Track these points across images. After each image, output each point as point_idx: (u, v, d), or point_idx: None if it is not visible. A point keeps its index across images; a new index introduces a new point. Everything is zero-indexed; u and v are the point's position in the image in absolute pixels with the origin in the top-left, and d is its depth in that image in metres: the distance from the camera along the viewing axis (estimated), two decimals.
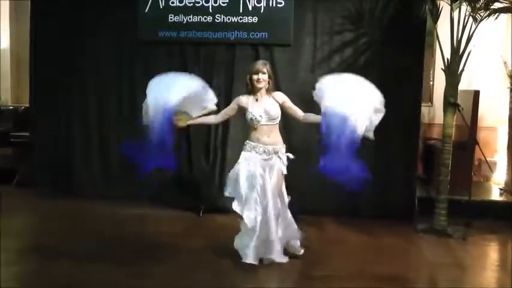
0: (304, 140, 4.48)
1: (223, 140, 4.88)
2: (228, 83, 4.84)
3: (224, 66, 4.89)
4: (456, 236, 4.17)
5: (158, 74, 4.82)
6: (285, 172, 3.31)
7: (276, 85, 4.61)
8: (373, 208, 4.74)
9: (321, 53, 4.81)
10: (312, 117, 3.27)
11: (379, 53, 4.72)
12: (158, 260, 3.42)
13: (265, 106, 3.26)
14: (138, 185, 4.95)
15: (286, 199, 3.44)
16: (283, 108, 3.36)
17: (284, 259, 3.33)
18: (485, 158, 4.69)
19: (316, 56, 4.81)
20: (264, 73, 3.26)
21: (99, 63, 5.15)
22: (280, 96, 3.35)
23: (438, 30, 4.43)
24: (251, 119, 3.26)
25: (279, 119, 3.32)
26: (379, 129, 4.46)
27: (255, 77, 3.26)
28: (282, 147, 3.32)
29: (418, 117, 4.79)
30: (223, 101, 4.26)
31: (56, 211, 4.64)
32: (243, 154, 3.30)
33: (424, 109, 5.26)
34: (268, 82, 3.30)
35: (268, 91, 3.32)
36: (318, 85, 3.20)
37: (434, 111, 5.66)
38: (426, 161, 5.50)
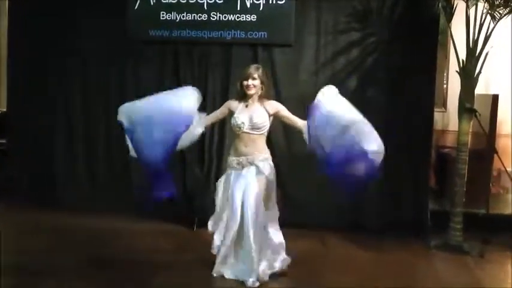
0: (304, 147, 4.49)
1: (219, 148, 4.87)
2: (224, 85, 4.83)
3: (220, 68, 4.88)
4: (473, 253, 4.14)
5: (148, 76, 4.97)
6: (265, 177, 3.26)
7: (275, 89, 4.73)
8: (381, 221, 4.72)
9: (324, 54, 4.79)
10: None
11: (388, 54, 4.70)
12: (143, 281, 3.38)
13: (252, 113, 3.27)
14: (125, 197, 5.00)
15: (274, 208, 3.40)
16: (278, 118, 3.36)
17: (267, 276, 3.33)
18: (504, 168, 4.60)
19: (320, 57, 4.80)
20: (254, 79, 3.26)
21: (85, 65, 5.12)
22: (273, 106, 3.33)
23: (452, 29, 4.39)
24: (233, 124, 3.28)
25: (265, 129, 3.31)
26: (388, 136, 4.50)
27: (245, 82, 3.27)
28: (260, 156, 3.28)
29: (430, 124, 4.78)
30: (219, 106, 4.23)
31: (35, 225, 4.58)
32: (223, 176, 3.39)
33: (438, 115, 5.22)
34: (261, 88, 3.30)
35: (261, 98, 3.32)
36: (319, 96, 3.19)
37: (448, 117, 5.61)
38: (439, 171, 5.44)
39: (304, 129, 3.17)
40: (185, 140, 3.23)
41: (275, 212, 3.44)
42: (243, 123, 3.25)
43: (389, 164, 4.57)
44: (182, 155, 4.88)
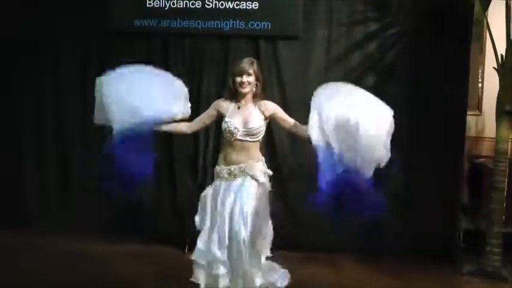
0: (311, 156, 4.49)
1: (215, 156, 4.80)
2: (221, 84, 4.79)
3: (216, 64, 4.87)
4: None
5: None
6: (262, 186, 3.24)
7: (280, 89, 4.82)
8: (404, 243, 4.70)
9: (337, 48, 4.80)
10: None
11: (412, 48, 4.69)
12: None
13: (246, 117, 3.24)
14: (105, 215, 5.02)
15: (267, 227, 3.32)
16: (274, 120, 3.33)
17: None
18: None
19: (331, 52, 4.80)
20: (249, 75, 3.22)
21: (58, 62, 5.11)
22: (269, 107, 3.29)
23: (489, 19, 4.40)
24: (225, 129, 3.24)
25: (260, 135, 3.28)
26: (412, 144, 4.50)
27: (238, 79, 3.22)
28: (254, 164, 3.26)
29: (462, 130, 4.75)
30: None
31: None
32: (210, 186, 3.35)
33: (471, 119, 5.18)
34: (256, 86, 3.26)
35: (256, 98, 3.29)
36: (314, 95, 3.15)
37: (484, 122, 5.54)
38: (473, 185, 5.39)
39: (308, 133, 3.08)
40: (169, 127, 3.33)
41: (269, 232, 3.35)
42: (236, 129, 3.22)
43: (414, 176, 4.71)
44: (171, 164, 4.96)
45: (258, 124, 3.23)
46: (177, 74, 4.70)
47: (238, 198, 3.16)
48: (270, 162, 4.45)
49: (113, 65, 4.92)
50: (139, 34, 4.94)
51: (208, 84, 4.89)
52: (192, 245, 4.29)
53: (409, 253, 4.61)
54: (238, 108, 3.27)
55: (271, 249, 3.34)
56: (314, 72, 4.80)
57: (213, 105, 3.39)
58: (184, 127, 3.39)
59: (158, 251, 4.68)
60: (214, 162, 4.62)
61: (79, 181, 5.14)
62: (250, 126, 3.21)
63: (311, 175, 4.50)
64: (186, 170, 4.96)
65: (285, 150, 4.81)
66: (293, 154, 4.80)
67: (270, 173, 3.32)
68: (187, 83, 4.65)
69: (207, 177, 4.86)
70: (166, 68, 4.84)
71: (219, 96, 4.57)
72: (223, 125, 3.26)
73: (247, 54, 4.50)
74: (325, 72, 4.78)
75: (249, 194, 3.17)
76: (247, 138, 3.23)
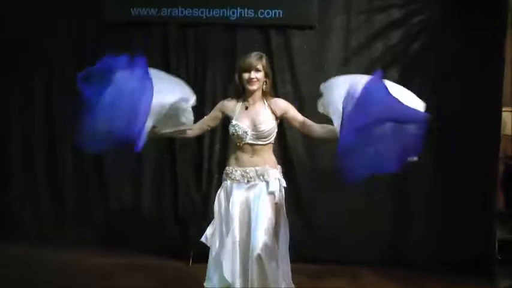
0: (330, 160, 4.47)
1: (222, 160, 4.82)
2: (227, 79, 4.79)
3: (222, 57, 4.86)
4: None
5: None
6: (276, 200, 3.21)
7: (293, 84, 4.83)
8: (432, 256, 4.68)
9: (356, 39, 4.78)
10: (331, 132, 3.08)
11: (439, 38, 4.66)
12: None
13: (254, 118, 3.21)
14: (102, 225, 5.06)
15: (285, 239, 3.31)
16: (286, 120, 3.30)
17: None
18: None
19: (351, 43, 4.78)
20: (258, 70, 3.18)
21: (50, 55, 5.11)
22: (280, 105, 3.26)
23: None
24: (233, 133, 3.22)
25: (272, 138, 3.25)
26: (441, 144, 4.46)
27: (245, 75, 3.19)
28: (271, 169, 3.25)
29: (497, 128, 4.65)
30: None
31: None
32: (220, 188, 3.30)
33: (506, 115, 5.11)
34: (265, 82, 3.23)
35: (265, 96, 3.26)
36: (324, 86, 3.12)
37: None
38: (510, 189, 5.37)
39: (328, 133, 3.08)
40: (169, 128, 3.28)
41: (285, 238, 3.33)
42: (245, 132, 3.20)
43: (443, 180, 4.65)
44: (173, 169, 4.96)
45: (269, 126, 3.20)
46: (178, 67, 4.89)
47: (254, 221, 3.10)
48: (285, 169, 4.51)
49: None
50: (136, 24, 4.92)
51: (213, 80, 4.88)
52: (197, 257, 4.52)
53: (437, 265, 4.58)
54: (246, 108, 3.24)
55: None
56: (331, 65, 4.77)
57: (217, 106, 3.36)
58: (188, 131, 3.36)
59: (159, 264, 4.68)
60: (221, 166, 4.77)
61: (72, 190, 5.16)
62: (260, 129, 3.18)
63: (329, 181, 4.47)
64: (189, 174, 4.94)
65: (299, 154, 4.80)
66: (308, 156, 4.80)
67: (284, 184, 3.29)
68: (189, 78, 4.75)
69: (212, 182, 4.88)
70: (167, 61, 4.93)
71: (224, 93, 4.71)
72: (231, 129, 3.23)
73: (255, 46, 4.57)
74: (344, 65, 4.75)
75: (269, 217, 3.11)
76: (258, 142, 3.21)
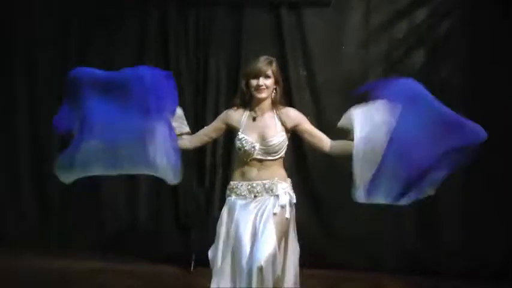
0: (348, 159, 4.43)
1: (226, 154, 4.84)
2: (233, 68, 4.80)
3: (227, 41, 4.86)
4: None
5: (122, 56, 4.92)
6: (286, 216, 3.16)
7: (307, 69, 4.77)
8: (458, 263, 4.65)
9: (377, 18, 4.76)
10: (347, 146, 3.07)
11: (470, 17, 4.62)
12: None
13: (263, 131, 3.15)
14: (94, 227, 5.07)
15: (295, 256, 3.27)
16: (297, 133, 3.22)
17: None
18: None
19: (371, 23, 4.76)
20: (267, 76, 3.12)
21: (32, 46, 5.15)
22: (292, 116, 3.19)
23: None
24: (239, 148, 3.15)
25: (282, 152, 3.18)
26: None
27: (253, 82, 3.12)
28: (280, 182, 3.19)
29: None
30: (225, 101, 4.20)
31: None
32: (224, 206, 3.23)
33: None
34: (275, 90, 3.17)
35: (274, 105, 3.20)
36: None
37: None
38: None
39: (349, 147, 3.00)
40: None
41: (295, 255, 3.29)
42: (253, 147, 3.13)
43: (473, 181, 4.58)
44: None
45: (279, 139, 3.13)
46: (177, 54, 4.91)
47: (258, 247, 3.01)
48: (298, 173, 4.60)
49: (98, 47, 5.01)
50: (130, 6, 4.93)
51: (216, 67, 4.87)
52: (198, 262, 4.55)
53: (462, 275, 4.57)
54: (254, 120, 3.18)
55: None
56: (349, 47, 4.76)
57: (221, 116, 3.28)
58: (187, 142, 3.27)
59: (159, 270, 4.69)
60: (226, 162, 4.65)
61: (59, 192, 5.16)
62: (269, 144, 3.12)
63: (347, 182, 4.47)
64: (191, 172, 4.90)
65: (314, 153, 4.64)
66: (324, 157, 4.63)
67: (294, 200, 3.21)
68: (189, 67, 4.73)
69: (216, 180, 4.88)
70: (165, 46, 4.93)
71: (230, 83, 4.57)
72: (237, 143, 3.15)
73: (265, 28, 4.72)
74: (364, 47, 4.72)
75: (271, 243, 3.01)
76: (268, 157, 3.15)
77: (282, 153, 3.19)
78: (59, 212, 5.21)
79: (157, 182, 4.80)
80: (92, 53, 5.07)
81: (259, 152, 3.13)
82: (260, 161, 3.15)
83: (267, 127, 3.15)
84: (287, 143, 3.19)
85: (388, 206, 4.47)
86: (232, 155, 4.74)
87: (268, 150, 3.13)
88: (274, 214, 3.08)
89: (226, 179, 4.60)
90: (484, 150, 4.30)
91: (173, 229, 4.97)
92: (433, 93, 2.99)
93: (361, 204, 4.59)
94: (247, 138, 3.12)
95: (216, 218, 3.50)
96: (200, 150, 4.82)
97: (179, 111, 3.17)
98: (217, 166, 4.86)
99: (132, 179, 5.00)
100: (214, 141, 4.78)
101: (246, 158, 3.15)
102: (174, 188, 4.91)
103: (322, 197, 4.77)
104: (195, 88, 4.79)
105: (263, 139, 3.12)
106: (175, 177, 3.09)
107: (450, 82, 4.56)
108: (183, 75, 4.81)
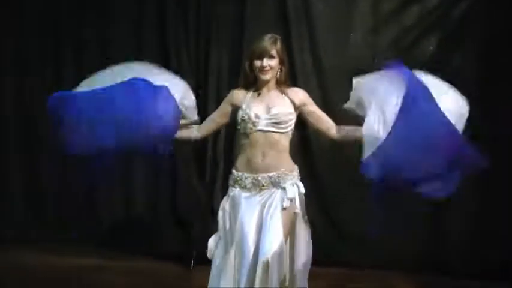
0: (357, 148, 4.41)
1: (229, 147, 4.86)
2: (236, 53, 4.78)
3: (229, 26, 4.86)
4: None
5: (118, 44, 4.96)
6: (295, 210, 3.16)
7: (313, 56, 4.78)
8: (473, 263, 4.66)
9: (387, 3, 4.74)
10: (357, 132, 3.04)
11: (486, 4, 4.58)
12: None
13: (269, 102, 3.13)
14: (89, 224, 5.13)
15: (304, 257, 3.25)
16: (302, 115, 3.22)
17: None
18: None
19: (381, 7, 4.75)
20: (272, 57, 3.11)
21: (19, 18, 5.16)
22: (299, 94, 3.20)
23: None
24: (242, 118, 3.12)
25: (289, 127, 3.14)
26: (485, 132, 4.36)
27: (257, 63, 3.11)
28: (288, 173, 3.19)
29: None
30: (225, 89, 4.25)
31: None
32: (226, 196, 3.23)
33: None
34: (280, 70, 3.16)
35: (280, 85, 3.18)
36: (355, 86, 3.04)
37: None
38: None
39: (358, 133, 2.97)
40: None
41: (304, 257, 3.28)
42: (257, 116, 3.10)
43: (487, 176, 4.44)
44: (171, 158, 4.83)
45: (286, 109, 3.12)
46: (176, 43, 4.90)
47: (266, 227, 3.04)
48: (305, 167, 4.44)
49: (89, 35, 5.01)
50: None
51: (218, 54, 4.86)
52: (199, 260, 4.46)
53: (474, 275, 4.54)
54: (259, 95, 3.17)
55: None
56: (358, 34, 4.74)
57: (226, 99, 3.28)
58: (193, 132, 3.28)
59: (158, 267, 4.71)
60: (228, 155, 4.66)
61: (51, 185, 5.23)
62: (277, 113, 3.09)
63: (355, 173, 4.47)
64: (191, 165, 4.94)
65: (321, 143, 4.74)
66: (332, 147, 4.69)
67: (303, 190, 3.20)
68: (189, 56, 4.75)
69: (217, 175, 4.88)
70: (162, 34, 4.95)
71: (233, 75, 4.58)
72: (240, 114, 3.13)
73: (269, 13, 4.69)
74: (373, 33, 4.71)
75: (278, 241, 3.02)
76: (273, 129, 3.11)
77: (289, 130, 3.15)
78: (53, 208, 5.25)
79: (155, 176, 4.98)
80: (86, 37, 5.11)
81: (265, 123, 3.09)
82: (265, 133, 3.10)
83: (273, 99, 3.14)
84: (294, 120, 3.15)
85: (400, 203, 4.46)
86: (234, 148, 4.72)
87: (274, 119, 3.09)
88: (284, 209, 3.07)
89: (228, 172, 4.74)
90: (499, 147, 4.34)
91: (173, 225, 4.98)
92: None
93: (369, 195, 4.64)
94: (252, 108, 3.11)
95: (217, 214, 3.53)
96: (201, 143, 4.86)
97: (190, 100, 3.17)
98: (219, 159, 4.87)
99: (129, 173, 4.99)
100: (215, 133, 4.68)
101: (250, 130, 3.10)
102: (173, 182, 4.97)
103: (327, 188, 4.78)
104: (195, 82, 4.73)
105: (269, 110, 3.10)
106: (166, 146, 3.04)
107: (463, 71, 4.51)
108: (183, 66, 4.81)
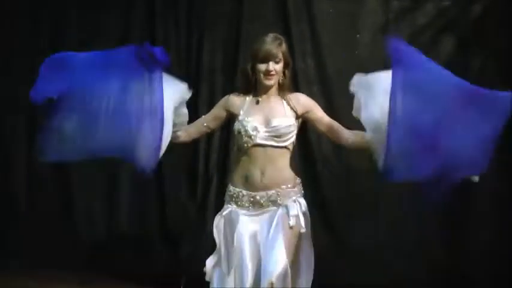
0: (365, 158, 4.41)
1: (222, 158, 4.87)
2: (231, 55, 4.81)
3: (224, 25, 4.88)
4: None
5: (103, 39, 4.96)
6: (303, 230, 3.17)
7: (316, 59, 4.80)
8: (488, 275, 4.66)
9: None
10: (367, 136, 3.06)
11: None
12: None
13: (269, 113, 3.13)
14: (68, 247, 5.05)
15: (307, 277, 3.27)
16: (308, 121, 3.23)
17: None
18: None
19: (391, 5, 4.75)
20: (277, 61, 3.10)
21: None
22: (302, 101, 3.19)
23: None
24: (239, 131, 3.11)
25: (290, 140, 3.14)
26: (506, 145, 4.31)
27: (261, 67, 3.10)
28: (289, 190, 3.19)
29: None
30: (222, 95, 4.13)
31: None
32: (219, 214, 3.23)
33: None
34: (283, 74, 3.15)
35: (282, 90, 3.18)
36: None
37: None
38: None
39: (366, 140, 3.00)
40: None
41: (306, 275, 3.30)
42: (255, 129, 3.09)
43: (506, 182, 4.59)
44: (158, 173, 4.85)
45: (286, 122, 3.10)
46: (166, 41, 4.92)
47: (266, 269, 3.02)
48: (306, 172, 4.49)
49: (75, 30, 4.99)
50: None
51: (211, 56, 4.88)
52: (190, 284, 4.53)
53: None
54: (257, 102, 3.16)
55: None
56: (366, 34, 4.75)
57: (221, 102, 3.27)
58: (181, 134, 3.28)
59: None
60: (222, 167, 4.60)
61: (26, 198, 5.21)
62: (275, 125, 3.09)
63: (363, 186, 4.40)
64: (181, 182, 4.95)
65: (324, 151, 4.77)
66: (336, 157, 4.78)
67: (304, 208, 3.22)
68: (180, 55, 4.69)
69: (209, 192, 4.89)
70: (151, 32, 4.98)
71: (227, 75, 4.58)
72: (237, 126, 3.13)
73: (268, 12, 4.66)
74: (382, 33, 4.66)
75: (281, 265, 3.02)
76: (272, 142, 3.11)
77: (289, 143, 3.15)
78: (26, 225, 5.25)
79: (140, 192, 4.91)
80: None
81: (263, 136, 3.09)
82: (264, 148, 3.10)
83: (272, 109, 3.13)
84: (296, 131, 3.15)
85: (412, 211, 4.48)
86: (228, 161, 4.71)
87: (273, 132, 3.09)
88: (290, 228, 3.08)
89: (222, 189, 4.70)
90: None
91: (160, 247, 4.96)
92: None
93: (378, 210, 4.60)
94: (250, 119, 3.10)
95: (209, 233, 3.41)
96: (191, 154, 4.94)
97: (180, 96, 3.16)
98: (212, 173, 4.87)
99: (112, 189, 5.02)
100: (208, 144, 4.86)
101: (247, 144, 3.10)
102: (161, 199, 4.98)
103: (332, 202, 4.79)
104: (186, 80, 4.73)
105: (268, 122, 3.10)
106: (150, 161, 3.00)
107: (485, 73, 4.50)
108: (173, 63, 4.74)
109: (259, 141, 3.10)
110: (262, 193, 3.12)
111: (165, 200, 4.94)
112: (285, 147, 3.15)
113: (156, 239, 4.99)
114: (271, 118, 3.11)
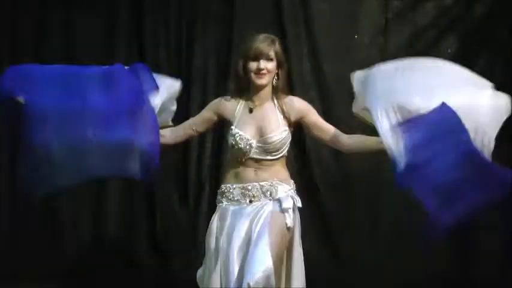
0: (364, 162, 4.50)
1: (215, 165, 4.89)
2: (223, 56, 4.85)
3: (216, 24, 4.92)
4: None
5: (87, 42, 4.99)
6: (289, 224, 3.15)
7: (313, 62, 4.83)
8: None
9: None
10: (368, 141, 3.11)
11: None
12: None
13: (262, 125, 3.13)
14: (51, 261, 5.05)
15: (299, 277, 3.26)
16: (304, 127, 3.24)
17: None
18: None
19: (391, 5, 4.81)
20: (269, 59, 3.10)
21: None
22: (296, 106, 3.19)
23: None
24: (232, 145, 3.12)
25: (284, 151, 3.16)
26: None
27: (252, 65, 3.10)
28: (281, 183, 3.20)
29: None
30: (212, 98, 4.15)
31: None
32: (214, 215, 3.22)
33: None
34: (277, 75, 3.15)
35: (276, 93, 3.18)
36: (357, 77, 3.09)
37: None
38: None
39: (370, 143, 3.04)
40: None
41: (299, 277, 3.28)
42: (249, 145, 3.12)
43: None
44: (147, 179, 4.79)
45: (280, 136, 3.12)
46: (154, 42, 4.99)
47: (252, 244, 3.04)
48: (302, 179, 4.55)
49: (56, 29, 5.01)
50: None
51: (203, 57, 4.92)
52: None
53: None
54: (251, 111, 3.17)
55: None
56: (366, 35, 4.81)
57: (211, 105, 3.27)
58: (167, 136, 3.26)
59: None
60: (214, 174, 4.63)
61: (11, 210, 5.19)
62: (269, 141, 3.11)
63: (363, 193, 4.42)
64: (172, 190, 5.00)
65: (322, 157, 4.82)
66: (335, 162, 4.84)
67: (299, 204, 3.22)
68: (169, 58, 4.89)
69: (201, 201, 4.93)
70: (140, 33, 5.02)
71: (219, 80, 4.65)
72: (230, 140, 3.13)
73: (262, 12, 4.68)
74: (382, 34, 4.78)
75: (278, 244, 3.05)
76: (267, 157, 3.14)
77: (284, 152, 3.17)
78: (7, 235, 5.22)
79: (128, 200, 4.94)
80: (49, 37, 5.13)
81: (257, 151, 3.11)
82: (257, 161, 3.14)
83: (266, 120, 3.13)
84: (290, 139, 3.16)
85: (415, 220, 4.48)
86: (221, 167, 4.71)
87: (267, 148, 3.11)
88: (277, 216, 3.09)
89: (215, 198, 4.76)
90: None
91: (149, 258, 4.98)
92: None
93: (378, 219, 4.62)
94: (242, 134, 3.11)
95: (202, 245, 3.37)
96: (183, 161, 4.97)
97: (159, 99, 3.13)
98: (204, 181, 4.91)
99: (98, 198, 5.02)
100: (201, 150, 4.91)
101: (240, 158, 3.13)
102: (152, 210, 4.98)
103: (329, 210, 4.82)
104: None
105: (261, 135, 3.11)
106: (146, 170, 2.99)
107: (489, 75, 4.47)
108: (161, 67, 4.80)
109: (253, 154, 3.12)
110: (255, 183, 3.14)
111: (156, 210, 4.97)
112: (279, 159, 3.18)
113: (147, 249, 5.01)
114: (266, 133, 3.11)
